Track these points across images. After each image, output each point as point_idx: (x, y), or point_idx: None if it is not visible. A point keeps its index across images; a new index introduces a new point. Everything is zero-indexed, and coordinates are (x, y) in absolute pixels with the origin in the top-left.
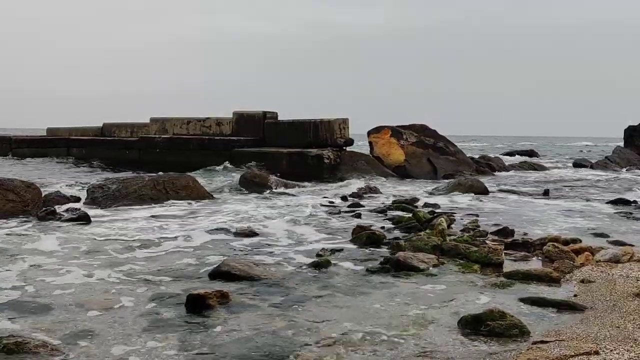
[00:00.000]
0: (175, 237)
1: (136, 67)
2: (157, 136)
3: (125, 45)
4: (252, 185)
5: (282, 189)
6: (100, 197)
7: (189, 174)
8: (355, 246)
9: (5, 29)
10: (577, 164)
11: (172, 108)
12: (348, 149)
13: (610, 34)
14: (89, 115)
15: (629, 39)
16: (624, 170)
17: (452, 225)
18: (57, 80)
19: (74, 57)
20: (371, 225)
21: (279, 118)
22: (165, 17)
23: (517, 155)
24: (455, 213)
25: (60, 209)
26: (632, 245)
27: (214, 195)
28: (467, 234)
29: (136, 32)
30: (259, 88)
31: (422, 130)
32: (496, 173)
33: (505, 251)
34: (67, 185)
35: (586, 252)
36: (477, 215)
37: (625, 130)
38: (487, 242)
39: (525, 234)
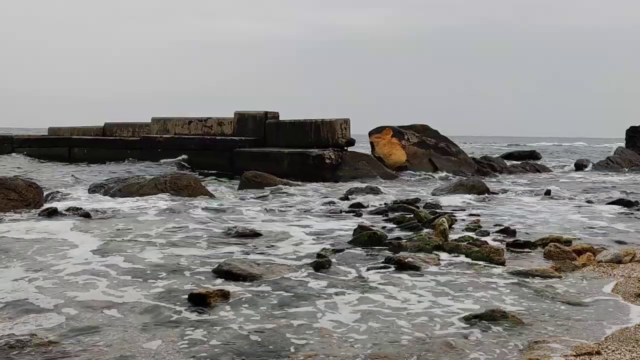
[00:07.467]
0: (177, 236)
1: (136, 68)
2: (158, 136)
3: (126, 47)
4: (253, 185)
5: (283, 190)
6: (101, 196)
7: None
8: (356, 246)
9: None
10: (579, 165)
11: (173, 109)
12: (349, 149)
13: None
14: (91, 116)
15: (619, 46)
16: (626, 170)
17: (454, 226)
18: (57, 81)
19: (74, 58)
20: (372, 225)
21: (280, 118)
22: (166, 19)
23: (517, 157)
24: (456, 213)
25: (61, 207)
26: (634, 246)
27: (215, 195)
28: (469, 234)
29: (136, 35)
30: (259, 89)
31: (423, 130)
32: (498, 174)
33: (506, 251)
34: (68, 184)
35: (588, 253)
36: (479, 216)
37: (627, 131)
38: (489, 242)
39: (526, 234)
